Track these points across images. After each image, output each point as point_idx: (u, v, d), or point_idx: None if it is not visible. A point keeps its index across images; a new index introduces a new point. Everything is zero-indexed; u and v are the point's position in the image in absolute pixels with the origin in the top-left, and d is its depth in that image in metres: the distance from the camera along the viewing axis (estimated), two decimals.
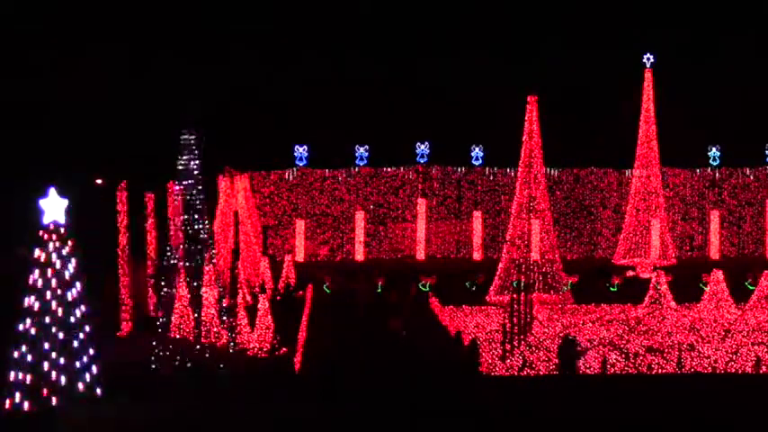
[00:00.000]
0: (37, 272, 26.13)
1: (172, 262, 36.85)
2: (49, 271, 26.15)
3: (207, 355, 33.11)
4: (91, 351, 27.03)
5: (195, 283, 35.33)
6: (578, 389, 29.08)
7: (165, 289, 36.74)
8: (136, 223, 40.19)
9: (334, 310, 41.05)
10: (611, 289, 50.38)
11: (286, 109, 68.64)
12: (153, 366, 31.57)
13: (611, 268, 56.90)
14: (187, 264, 35.98)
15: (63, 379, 25.84)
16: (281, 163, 65.94)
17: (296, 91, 68.86)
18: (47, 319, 25.96)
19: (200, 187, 36.51)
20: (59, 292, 26.24)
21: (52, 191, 26.42)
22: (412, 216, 66.11)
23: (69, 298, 26.46)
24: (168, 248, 37.24)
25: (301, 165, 66.20)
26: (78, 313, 26.75)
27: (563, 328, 36.93)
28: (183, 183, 36.34)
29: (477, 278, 51.63)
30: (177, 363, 31.87)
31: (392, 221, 66.46)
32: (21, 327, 25.92)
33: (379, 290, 50.59)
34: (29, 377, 25.58)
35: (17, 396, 25.41)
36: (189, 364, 31.71)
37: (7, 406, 25.15)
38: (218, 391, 28.45)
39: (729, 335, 35.41)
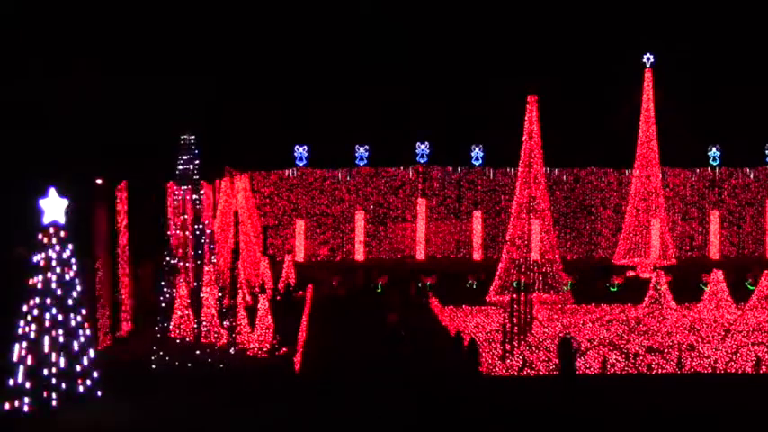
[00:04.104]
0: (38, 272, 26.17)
1: (172, 262, 36.82)
2: (49, 272, 26.19)
3: (207, 352, 33.16)
4: (91, 353, 27.07)
5: (195, 284, 35.30)
6: (578, 389, 29.07)
7: (165, 289, 36.69)
8: (137, 222, 40.16)
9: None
10: (612, 289, 50.36)
11: (286, 109, 68.65)
12: (153, 366, 31.60)
13: (611, 268, 56.93)
14: (187, 264, 35.96)
15: (62, 378, 25.89)
16: (281, 163, 65.99)
17: (296, 91, 68.86)
18: (46, 316, 26.01)
19: (201, 192, 36.50)
20: (59, 292, 26.26)
21: (52, 191, 26.43)
22: (412, 216, 66.16)
23: (69, 302, 26.49)
24: (167, 249, 37.22)
25: (301, 165, 66.24)
26: (77, 313, 26.80)
27: (563, 328, 36.92)
28: (183, 185, 36.34)
29: (479, 276, 51.71)
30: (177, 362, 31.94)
31: (392, 221, 66.50)
32: (21, 324, 25.96)
33: (380, 290, 50.61)
34: (28, 381, 25.62)
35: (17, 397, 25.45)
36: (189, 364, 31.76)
37: (7, 407, 25.14)
38: (219, 391, 28.46)
39: (729, 335, 35.41)
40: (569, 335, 32.61)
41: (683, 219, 67.64)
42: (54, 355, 25.74)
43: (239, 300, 36.00)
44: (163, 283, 35.83)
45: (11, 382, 25.45)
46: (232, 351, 33.80)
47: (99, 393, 26.81)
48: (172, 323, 35.33)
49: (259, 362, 33.07)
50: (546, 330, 36.38)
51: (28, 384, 25.41)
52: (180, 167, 36.28)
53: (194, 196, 36.35)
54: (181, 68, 63.37)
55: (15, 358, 25.62)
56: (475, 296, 47.23)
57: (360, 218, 65.39)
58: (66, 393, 25.83)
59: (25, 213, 29.26)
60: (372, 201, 66.42)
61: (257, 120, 65.19)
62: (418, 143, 66.26)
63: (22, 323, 25.84)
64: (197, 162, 36.09)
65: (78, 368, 26.40)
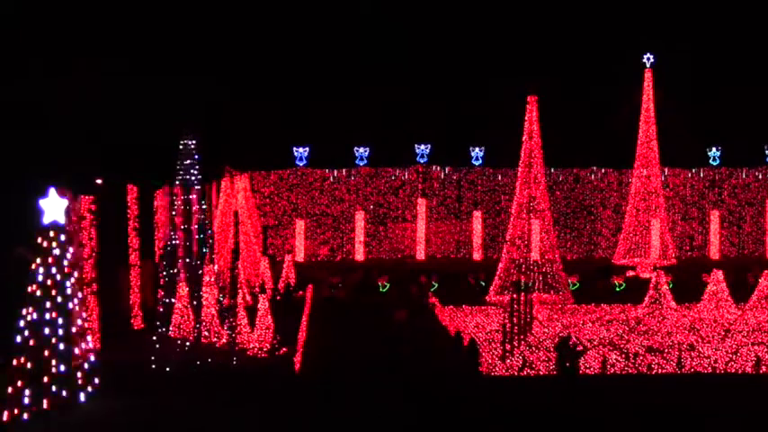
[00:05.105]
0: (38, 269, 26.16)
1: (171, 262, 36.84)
2: (48, 278, 26.17)
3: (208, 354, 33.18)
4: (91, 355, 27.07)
5: (195, 290, 35.31)
6: (578, 389, 29.08)
7: (166, 289, 36.72)
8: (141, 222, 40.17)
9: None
10: (617, 289, 50.28)
11: (286, 109, 68.64)
12: (152, 366, 31.60)
13: (611, 268, 56.90)
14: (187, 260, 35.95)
15: (62, 371, 25.90)
16: (281, 163, 65.98)
17: (296, 91, 68.87)
18: (46, 308, 26.02)
19: (198, 187, 36.56)
20: (59, 299, 26.25)
21: (52, 191, 26.44)
22: (412, 216, 66.13)
23: (67, 301, 26.49)
24: (167, 250, 37.22)
25: (301, 165, 66.24)
26: (76, 307, 26.79)
27: (563, 328, 36.92)
28: (183, 180, 36.38)
29: (477, 276, 51.72)
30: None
31: (392, 221, 66.48)
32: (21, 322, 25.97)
33: (383, 290, 50.57)
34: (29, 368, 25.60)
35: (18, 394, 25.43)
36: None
37: (6, 416, 25.11)
38: (219, 391, 28.46)
39: (729, 335, 35.41)
40: (570, 335, 32.62)
41: (683, 219, 67.63)
42: (54, 360, 25.73)
43: (239, 300, 36.00)
44: (162, 283, 35.83)
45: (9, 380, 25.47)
46: (234, 360, 33.76)
47: (98, 394, 26.83)
48: (172, 323, 35.33)
49: (259, 362, 33.07)
50: (546, 330, 36.38)
51: (26, 388, 25.40)
52: (180, 172, 36.30)
53: (192, 196, 36.36)
54: (181, 68, 63.36)
55: (15, 357, 25.66)
56: (475, 296, 47.22)
57: (360, 218, 65.38)
58: (64, 392, 25.81)
59: (25, 213, 29.27)
60: (372, 201, 66.41)
61: (257, 120, 65.17)
62: (418, 143, 66.24)
63: (21, 324, 25.84)
64: (197, 170, 36.08)
65: (77, 367, 26.40)
